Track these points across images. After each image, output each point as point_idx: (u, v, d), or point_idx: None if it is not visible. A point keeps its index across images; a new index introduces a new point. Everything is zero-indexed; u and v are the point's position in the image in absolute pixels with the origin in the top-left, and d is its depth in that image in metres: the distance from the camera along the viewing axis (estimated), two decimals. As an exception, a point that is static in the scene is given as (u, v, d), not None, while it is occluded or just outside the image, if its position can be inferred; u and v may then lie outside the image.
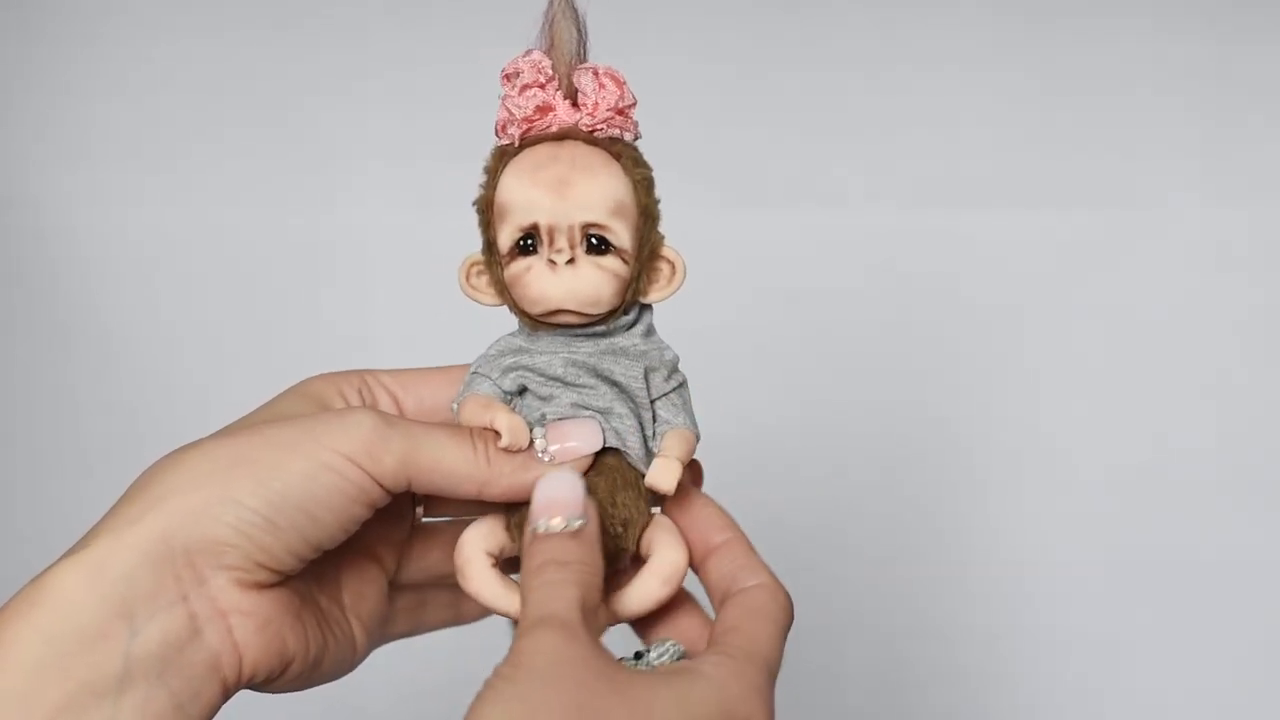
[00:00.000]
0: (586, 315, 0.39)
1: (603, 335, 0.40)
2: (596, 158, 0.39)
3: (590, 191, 0.39)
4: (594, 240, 0.39)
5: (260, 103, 0.87)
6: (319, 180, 0.88)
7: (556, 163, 0.39)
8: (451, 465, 0.39)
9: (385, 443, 0.38)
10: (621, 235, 0.39)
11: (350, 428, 0.37)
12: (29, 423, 0.87)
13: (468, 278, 0.41)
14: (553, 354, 0.40)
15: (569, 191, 0.38)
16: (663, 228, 0.41)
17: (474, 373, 0.41)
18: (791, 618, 0.40)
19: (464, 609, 0.47)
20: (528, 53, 0.40)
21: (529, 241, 0.39)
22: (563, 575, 0.37)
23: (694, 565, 0.41)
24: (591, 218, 0.39)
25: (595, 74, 0.40)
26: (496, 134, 0.41)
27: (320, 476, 0.37)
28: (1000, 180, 0.87)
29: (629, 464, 0.40)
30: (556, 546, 0.38)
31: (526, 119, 0.40)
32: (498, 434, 0.39)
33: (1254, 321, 0.87)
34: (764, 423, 0.86)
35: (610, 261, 0.39)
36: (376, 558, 0.44)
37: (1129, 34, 0.86)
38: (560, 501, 0.39)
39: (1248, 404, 0.86)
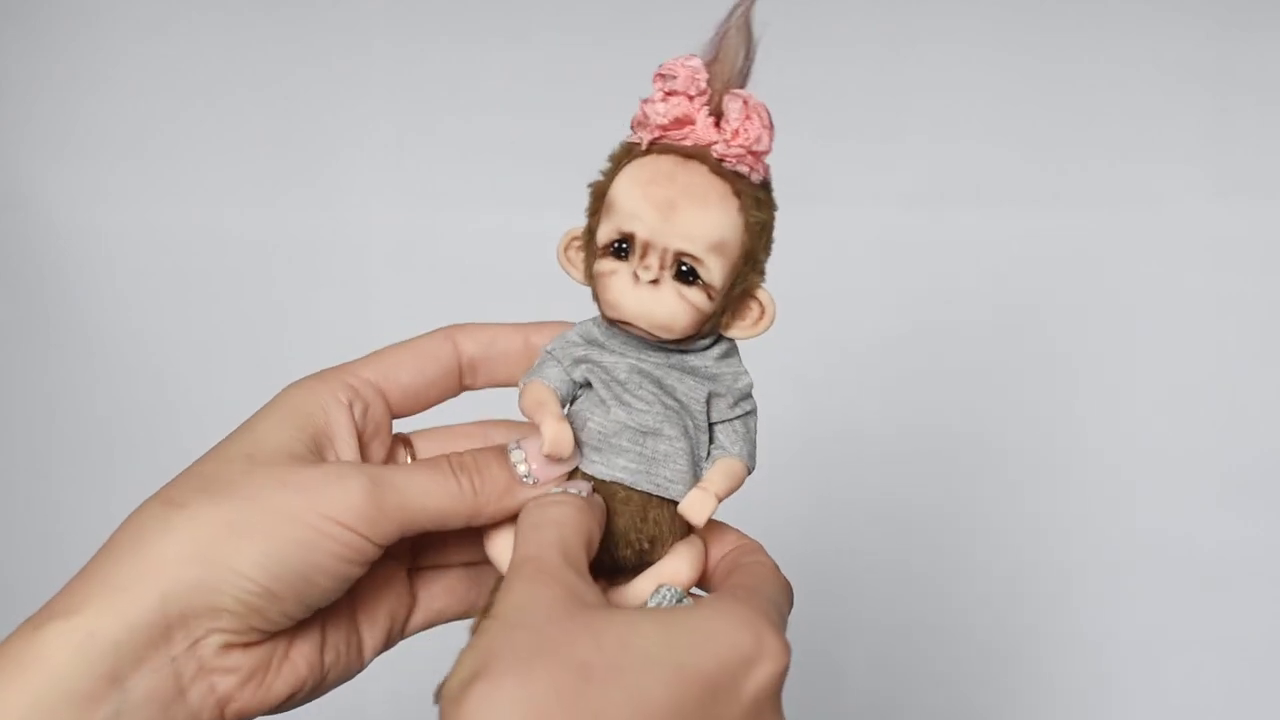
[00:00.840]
0: (655, 337, 0.39)
1: (675, 350, 0.40)
2: (715, 190, 0.38)
3: (695, 222, 0.38)
4: (684, 268, 0.38)
5: (261, 103, 0.87)
6: (319, 180, 0.88)
7: (673, 183, 0.38)
8: (439, 506, 0.39)
9: (379, 506, 0.37)
10: (713, 271, 0.38)
11: (345, 494, 0.37)
12: (28, 422, 0.87)
13: (565, 249, 0.41)
14: (621, 356, 0.40)
15: (674, 215, 0.38)
16: None
17: (549, 352, 0.41)
18: (793, 603, 0.39)
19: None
20: (689, 58, 0.39)
21: (623, 246, 0.38)
22: (544, 517, 0.37)
23: (705, 571, 0.41)
24: (687, 248, 0.38)
25: (746, 104, 0.38)
26: (631, 128, 0.40)
27: (320, 543, 0.37)
28: (1000, 180, 0.87)
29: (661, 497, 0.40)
30: (549, 497, 0.39)
31: (660, 127, 0.39)
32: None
33: (1255, 321, 0.86)
34: (764, 422, 0.86)
35: (694, 294, 0.38)
36: (386, 554, 0.44)
37: (1129, 34, 0.86)
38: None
39: (1249, 403, 0.86)
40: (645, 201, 0.38)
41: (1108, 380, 0.87)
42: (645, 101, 0.39)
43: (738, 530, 0.42)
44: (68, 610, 0.35)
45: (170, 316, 0.87)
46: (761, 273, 0.40)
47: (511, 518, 0.40)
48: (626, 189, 0.38)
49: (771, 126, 0.39)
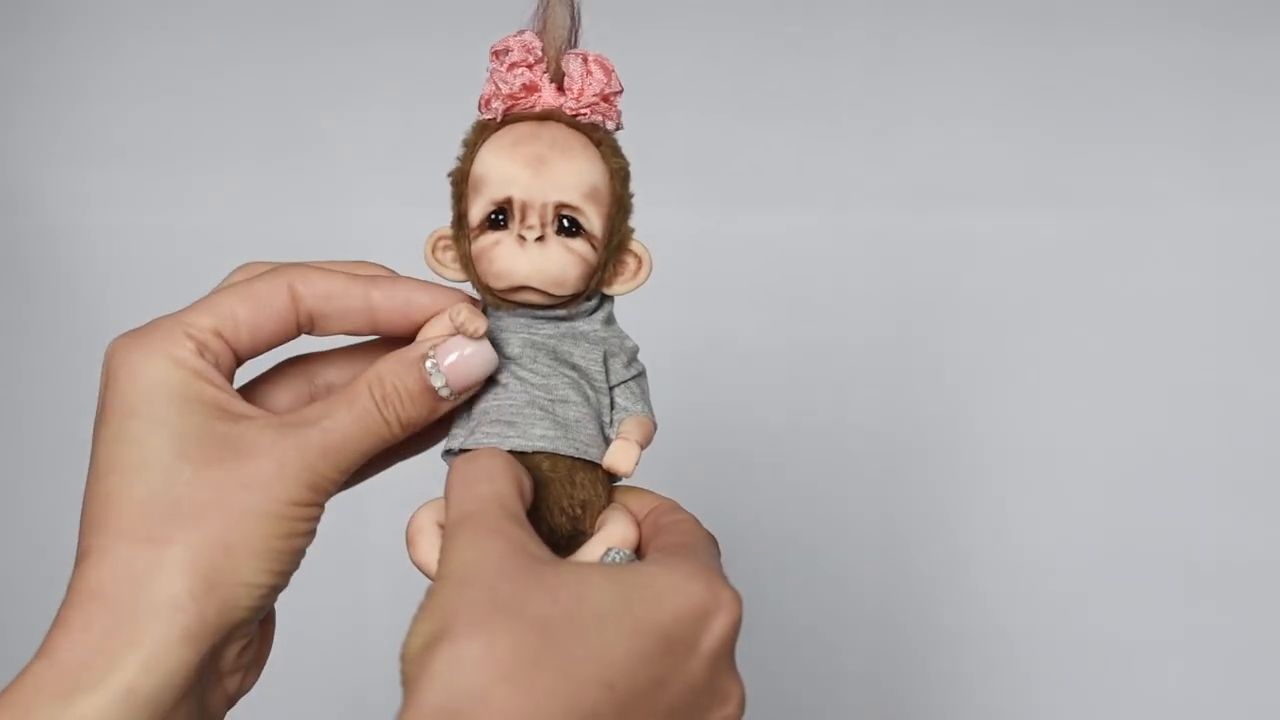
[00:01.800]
0: (549, 295, 0.39)
1: (563, 319, 0.41)
2: (576, 141, 0.40)
3: (567, 173, 0.39)
4: (565, 221, 0.39)
5: (260, 105, 0.88)
6: (319, 182, 0.88)
7: (537, 141, 0.39)
8: (371, 447, 0.39)
9: (324, 475, 0.38)
10: (593, 220, 0.39)
11: (297, 477, 0.37)
12: (27, 423, 0.87)
13: (433, 251, 0.41)
14: (511, 334, 0.40)
15: (546, 170, 0.39)
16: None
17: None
18: (720, 553, 0.39)
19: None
20: (519, 32, 0.40)
21: (500, 216, 0.39)
22: (474, 472, 0.37)
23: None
24: (565, 198, 0.39)
25: (584, 60, 0.40)
26: (480, 109, 0.41)
27: (295, 525, 0.37)
28: (1000, 180, 0.87)
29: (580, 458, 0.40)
30: (473, 451, 0.39)
31: (511, 95, 0.40)
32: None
33: (1255, 321, 0.86)
34: (766, 422, 0.86)
35: (579, 245, 0.39)
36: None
37: (1129, 34, 0.86)
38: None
39: (1250, 403, 0.86)
40: (515, 163, 0.39)
41: (1107, 379, 0.87)
42: (491, 74, 0.40)
43: (651, 491, 0.42)
44: (96, 675, 0.35)
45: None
46: (629, 222, 0.41)
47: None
48: (493, 158, 0.39)
49: (613, 70, 0.40)
